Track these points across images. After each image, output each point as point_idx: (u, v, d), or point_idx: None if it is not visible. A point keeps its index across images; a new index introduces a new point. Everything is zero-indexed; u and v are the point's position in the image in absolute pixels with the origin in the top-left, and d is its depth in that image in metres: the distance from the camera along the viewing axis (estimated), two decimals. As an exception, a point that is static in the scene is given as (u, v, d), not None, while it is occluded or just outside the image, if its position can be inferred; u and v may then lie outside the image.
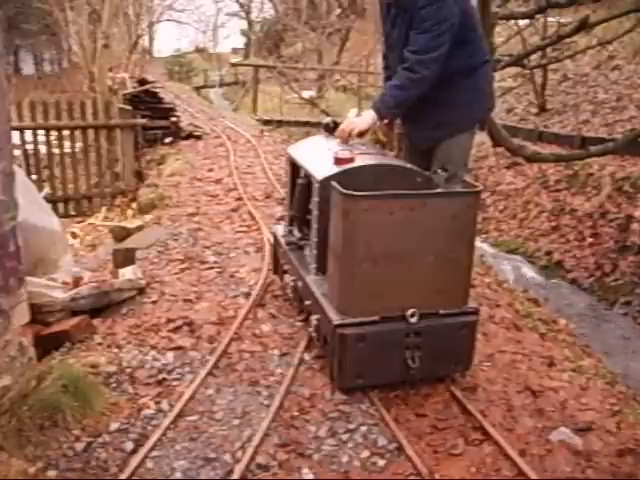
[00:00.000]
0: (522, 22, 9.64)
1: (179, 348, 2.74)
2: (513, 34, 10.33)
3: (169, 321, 2.97)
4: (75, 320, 2.85)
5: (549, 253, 7.54)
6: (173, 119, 9.21)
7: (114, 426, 2.20)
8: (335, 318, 2.30)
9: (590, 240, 7.26)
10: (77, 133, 7.49)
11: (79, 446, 2.09)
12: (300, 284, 2.79)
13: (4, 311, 2.12)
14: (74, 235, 6.10)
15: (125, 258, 3.63)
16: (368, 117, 2.73)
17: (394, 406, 2.35)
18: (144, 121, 8.29)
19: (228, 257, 3.90)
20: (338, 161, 2.54)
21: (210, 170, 6.74)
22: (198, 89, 25.01)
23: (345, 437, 2.18)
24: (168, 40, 38.37)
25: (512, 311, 3.37)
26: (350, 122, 2.73)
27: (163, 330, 2.89)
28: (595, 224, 7.38)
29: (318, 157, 2.74)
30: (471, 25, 2.74)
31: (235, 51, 37.72)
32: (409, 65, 2.62)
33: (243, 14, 33.48)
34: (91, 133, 7.64)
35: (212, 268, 3.70)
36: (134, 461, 2.02)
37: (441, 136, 2.84)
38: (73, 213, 7.44)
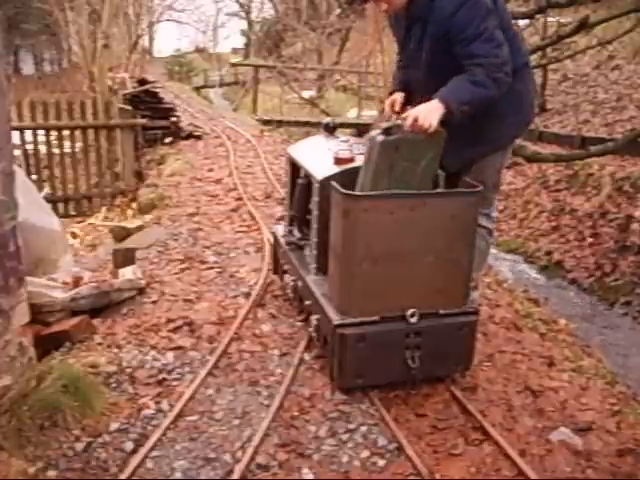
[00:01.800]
0: (522, 22, 9.63)
1: (179, 348, 2.74)
2: (513, 34, 10.30)
3: (169, 321, 2.97)
4: (75, 320, 2.85)
5: (549, 253, 7.54)
6: (173, 119, 9.22)
7: (114, 426, 2.20)
8: (335, 318, 2.30)
9: (590, 240, 7.26)
10: (77, 133, 7.50)
11: (79, 446, 2.09)
12: (300, 284, 2.79)
13: (4, 311, 2.12)
14: (74, 235, 6.10)
15: (125, 258, 3.63)
16: (434, 110, 2.26)
17: (394, 406, 2.35)
18: (144, 121, 8.30)
19: (228, 257, 3.90)
20: (338, 161, 2.54)
21: (210, 170, 6.74)
22: (198, 89, 25.02)
23: (345, 437, 2.18)
24: (168, 40, 38.49)
25: (512, 311, 3.37)
26: (419, 115, 2.25)
27: (163, 330, 2.89)
28: (595, 224, 7.38)
29: (318, 157, 2.74)
30: (507, 20, 2.46)
31: (235, 51, 37.74)
32: (483, 67, 2.28)
33: (243, 14, 33.51)
34: (91, 133, 7.65)
35: (212, 268, 3.70)
36: (134, 461, 2.02)
37: (476, 156, 2.52)
38: (73, 213, 7.44)
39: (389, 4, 2.47)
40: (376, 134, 2.30)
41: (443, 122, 2.29)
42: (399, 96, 2.73)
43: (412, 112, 2.30)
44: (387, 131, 2.29)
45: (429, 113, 2.25)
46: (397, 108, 2.71)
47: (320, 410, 2.32)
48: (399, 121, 2.34)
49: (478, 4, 2.29)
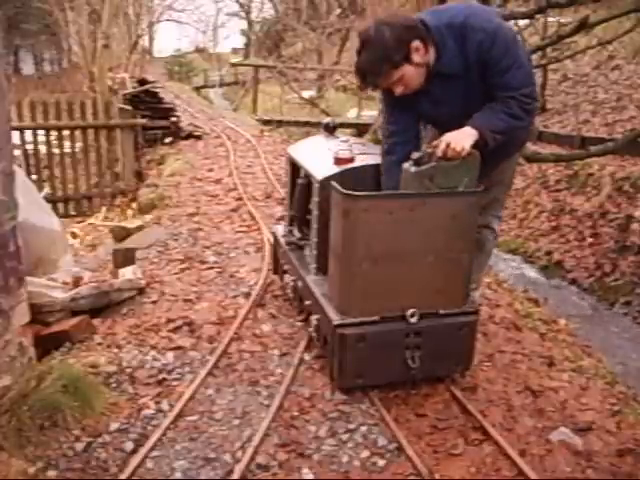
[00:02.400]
0: (522, 22, 9.63)
1: (179, 348, 2.74)
2: (513, 34, 10.31)
3: (169, 321, 2.98)
4: (75, 320, 2.85)
5: (549, 253, 7.54)
6: (173, 119, 9.22)
7: (114, 426, 2.20)
8: (335, 318, 2.30)
9: (590, 240, 7.26)
10: (77, 133, 7.50)
11: (79, 446, 2.09)
12: (300, 284, 2.79)
13: (4, 311, 2.12)
14: (74, 235, 6.10)
15: (125, 258, 3.63)
16: (468, 136, 2.26)
17: (394, 406, 2.35)
18: (144, 121, 8.30)
19: (228, 257, 3.90)
20: (338, 161, 2.54)
21: (210, 170, 6.75)
22: (198, 89, 25.02)
23: (345, 437, 2.18)
24: (168, 40, 38.47)
25: (512, 311, 3.37)
26: (451, 140, 2.23)
27: (163, 330, 2.89)
28: (595, 224, 7.37)
29: (318, 157, 2.75)
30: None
31: (235, 51, 37.74)
32: (516, 100, 2.28)
33: (243, 14, 33.52)
34: (91, 133, 7.65)
35: (212, 268, 3.70)
36: (134, 461, 2.02)
37: (504, 158, 2.51)
38: (73, 213, 7.45)
39: (405, 87, 2.34)
40: (408, 165, 2.26)
41: (475, 145, 2.27)
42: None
43: (445, 137, 2.27)
44: (418, 161, 2.25)
45: (462, 138, 2.24)
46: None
47: (320, 410, 2.32)
48: (429, 150, 2.27)
49: (509, 33, 2.33)
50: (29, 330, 2.31)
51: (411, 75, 2.29)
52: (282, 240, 3.11)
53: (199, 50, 38.51)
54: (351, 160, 2.54)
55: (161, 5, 28.16)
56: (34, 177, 6.98)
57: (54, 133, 7.42)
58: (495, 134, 2.29)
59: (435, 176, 2.25)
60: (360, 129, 11.92)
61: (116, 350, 2.70)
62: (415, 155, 2.26)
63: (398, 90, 2.35)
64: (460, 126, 2.29)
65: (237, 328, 2.90)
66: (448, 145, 2.23)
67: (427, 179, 2.25)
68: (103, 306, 3.15)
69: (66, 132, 7.47)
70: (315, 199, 2.61)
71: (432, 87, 2.37)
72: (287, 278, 3.05)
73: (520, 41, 2.46)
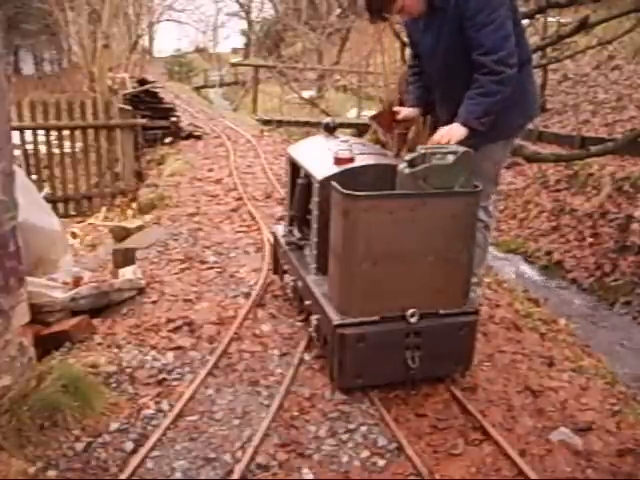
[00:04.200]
0: (522, 22, 9.62)
1: (179, 348, 2.74)
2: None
3: (169, 321, 2.98)
4: (75, 320, 2.85)
5: (549, 253, 7.54)
6: (173, 119, 9.22)
7: (114, 426, 2.20)
8: (335, 318, 2.30)
9: (590, 240, 7.26)
10: (77, 133, 7.50)
11: (79, 446, 2.09)
12: (300, 284, 2.79)
13: (4, 311, 2.12)
14: (74, 235, 6.09)
15: (125, 258, 3.63)
16: (457, 131, 2.46)
17: (394, 406, 2.35)
18: (144, 121, 8.30)
19: (228, 257, 3.90)
20: (338, 161, 2.54)
21: (210, 170, 6.74)
22: (198, 89, 25.00)
23: (345, 437, 2.18)
24: (168, 40, 38.39)
25: (512, 311, 3.37)
26: (446, 134, 2.47)
27: (163, 330, 2.89)
28: (595, 224, 7.37)
29: (318, 157, 2.74)
30: (515, 17, 2.53)
31: (235, 51, 37.72)
32: (488, 69, 2.40)
33: (243, 14, 33.50)
34: (91, 133, 7.65)
35: (212, 268, 3.70)
36: (134, 461, 2.02)
37: (470, 146, 2.46)
38: (73, 213, 7.44)
39: (410, 14, 2.62)
40: (403, 167, 2.29)
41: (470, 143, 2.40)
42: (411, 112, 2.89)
43: (434, 138, 2.48)
44: (412, 162, 2.28)
45: (453, 134, 2.45)
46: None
47: (320, 410, 2.32)
48: (422, 151, 2.29)
49: None
50: (29, 330, 2.31)
51: (411, 3, 2.54)
52: (282, 240, 3.11)
53: (199, 50, 38.48)
54: (351, 160, 2.54)
55: (161, 5, 28.12)
56: (34, 177, 6.97)
57: (54, 133, 7.41)
58: (478, 119, 2.45)
59: (429, 177, 2.25)
60: (360, 129, 11.90)
61: (116, 350, 2.70)
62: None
63: (403, 17, 2.70)
64: (446, 96, 2.63)
65: (237, 328, 2.90)
66: (438, 143, 2.41)
67: (421, 180, 2.25)
68: (103, 306, 3.15)
69: (66, 132, 7.47)
70: (315, 199, 2.61)
71: (432, 25, 2.59)
72: (287, 278, 3.05)
73: (512, 6, 2.51)
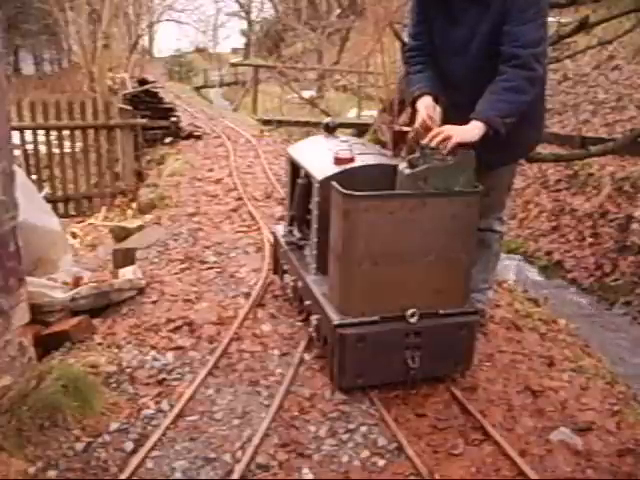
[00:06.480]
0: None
1: (179, 348, 2.74)
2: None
3: (169, 321, 2.98)
4: (75, 320, 2.85)
5: (549, 253, 7.54)
6: (173, 119, 9.21)
7: (114, 426, 2.20)
8: (335, 318, 2.30)
9: (590, 240, 7.26)
10: (77, 133, 7.48)
11: (79, 446, 2.09)
12: (300, 284, 2.79)
13: (4, 311, 2.12)
14: (74, 235, 6.09)
15: (125, 258, 3.63)
16: (473, 129, 2.22)
17: (394, 406, 2.35)
18: (144, 121, 8.29)
19: (228, 257, 3.90)
20: (338, 161, 2.54)
21: (210, 170, 6.74)
22: (198, 89, 25.01)
23: (345, 437, 2.18)
24: (168, 40, 38.33)
25: (512, 311, 3.37)
26: (449, 129, 2.23)
27: (163, 330, 2.89)
28: (595, 224, 7.38)
29: (318, 157, 2.74)
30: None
31: (235, 51, 37.73)
32: (520, 61, 2.20)
33: (243, 14, 33.52)
34: (91, 133, 7.64)
35: (212, 268, 3.70)
36: (134, 461, 2.02)
37: (497, 163, 2.38)
38: (73, 213, 7.43)
39: None
40: (403, 167, 2.27)
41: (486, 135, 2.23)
42: (430, 105, 2.49)
43: (447, 128, 2.23)
44: (412, 163, 2.24)
45: (462, 133, 2.21)
46: (435, 121, 2.41)
47: (320, 410, 2.32)
48: (425, 150, 2.24)
49: None
50: (29, 330, 2.31)
51: None
52: (282, 240, 3.11)
53: (199, 50, 38.47)
54: (351, 160, 2.54)
55: (161, 5, 28.10)
56: (34, 177, 6.96)
57: (54, 133, 7.41)
58: (506, 118, 2.21)
59: (429, 177, 2.25)
60: (360, 129, 11.92)
61: (116, 350, 2.70)
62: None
63: None
64: (473, 92, 2.27)
65: (237, 328, 2.90)
66: (449, 137, 2.20)
67: (421, 181, 2.25)
68: (103, 306, 3.15)
69: (66, 132, 7.46)
70: (315, 199, 2.61)
71: (465, 16, 2.36)
72: (287, 278, 3.05)
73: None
